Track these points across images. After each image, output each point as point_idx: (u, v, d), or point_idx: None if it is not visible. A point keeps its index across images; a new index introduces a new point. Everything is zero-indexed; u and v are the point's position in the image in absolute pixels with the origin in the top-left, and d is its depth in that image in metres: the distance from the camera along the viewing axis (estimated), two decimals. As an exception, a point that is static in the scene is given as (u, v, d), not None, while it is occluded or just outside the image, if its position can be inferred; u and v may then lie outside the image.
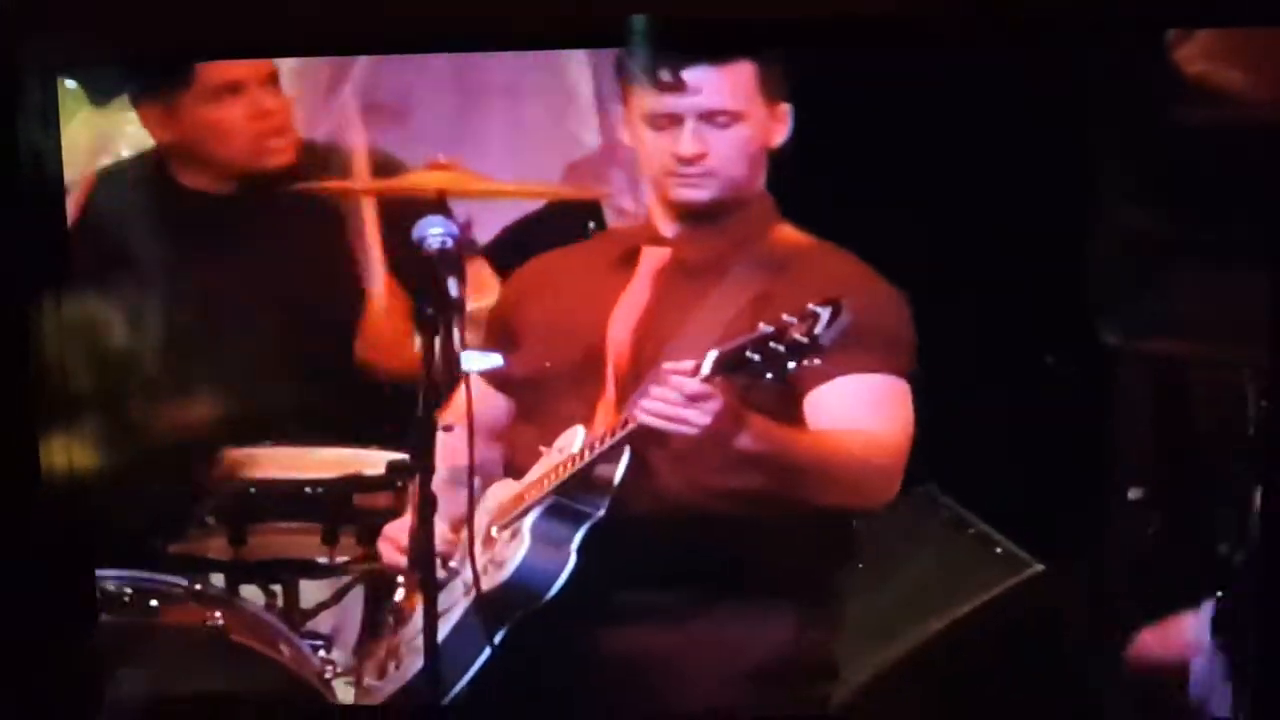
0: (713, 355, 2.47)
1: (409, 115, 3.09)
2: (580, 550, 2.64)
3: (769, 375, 2.41)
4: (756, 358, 2.42)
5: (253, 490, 3.07)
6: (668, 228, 2.73)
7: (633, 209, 3.10)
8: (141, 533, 3.01)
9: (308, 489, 3.09)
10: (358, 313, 3.04)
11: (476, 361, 2.69)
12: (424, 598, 2.65)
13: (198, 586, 2.99)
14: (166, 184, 3.11)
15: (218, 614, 2.93)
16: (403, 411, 2.68)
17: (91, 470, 2.86)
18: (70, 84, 3.25)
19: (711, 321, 2.63)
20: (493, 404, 2.86)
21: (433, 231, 2.62)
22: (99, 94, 3.20)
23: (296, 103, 3.08)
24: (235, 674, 2.90)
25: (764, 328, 2.42)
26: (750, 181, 2.69)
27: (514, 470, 2.82)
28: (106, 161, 3.15)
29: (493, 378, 2.84)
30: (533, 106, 2.84)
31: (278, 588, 3.17)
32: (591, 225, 3.03)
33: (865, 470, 2.63)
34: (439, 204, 2.78)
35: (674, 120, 2.63)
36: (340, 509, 3.06)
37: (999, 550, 2.90)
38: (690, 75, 2.61)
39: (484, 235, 3.05)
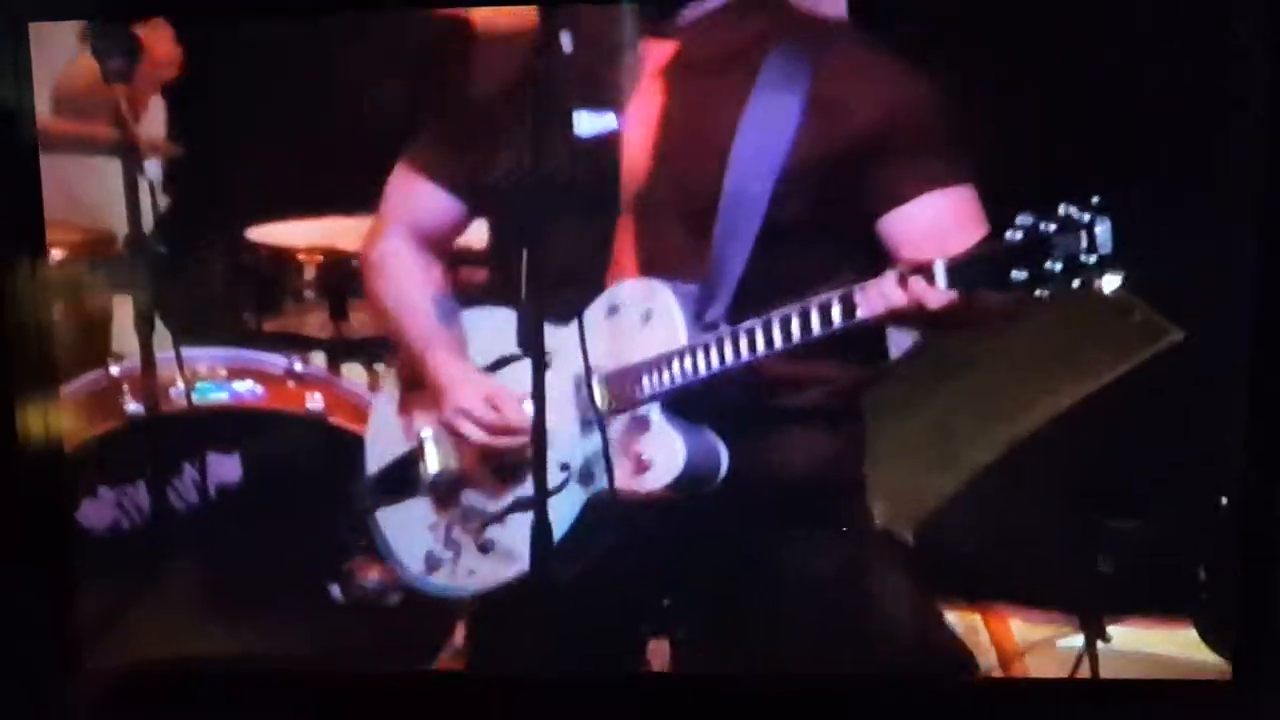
0: (943, 264, 2.13)
1: None
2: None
3: (1039, 292, 2.10)
4: (1023, 275, 2.08)
5: (355, 262, 2.95)
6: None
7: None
8: (235, 309, 2.89)
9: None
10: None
11: (589, 124, 2.40)
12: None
13: (297, 366, 2.87)
14: None
15: (317, 395, 2.82)
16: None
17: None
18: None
19: (772, 135, 2.27)
20: (440, 207, 2.47)
21: None
22: None
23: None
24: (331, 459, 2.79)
25: (1014, 236, 2.08)
26: None
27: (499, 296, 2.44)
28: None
29: (449, 176, 2.45)
30: None
31: (381, 366, 3.08)
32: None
33: None
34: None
35: None
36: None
37: (1136, 317, 2.76)
38: None
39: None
